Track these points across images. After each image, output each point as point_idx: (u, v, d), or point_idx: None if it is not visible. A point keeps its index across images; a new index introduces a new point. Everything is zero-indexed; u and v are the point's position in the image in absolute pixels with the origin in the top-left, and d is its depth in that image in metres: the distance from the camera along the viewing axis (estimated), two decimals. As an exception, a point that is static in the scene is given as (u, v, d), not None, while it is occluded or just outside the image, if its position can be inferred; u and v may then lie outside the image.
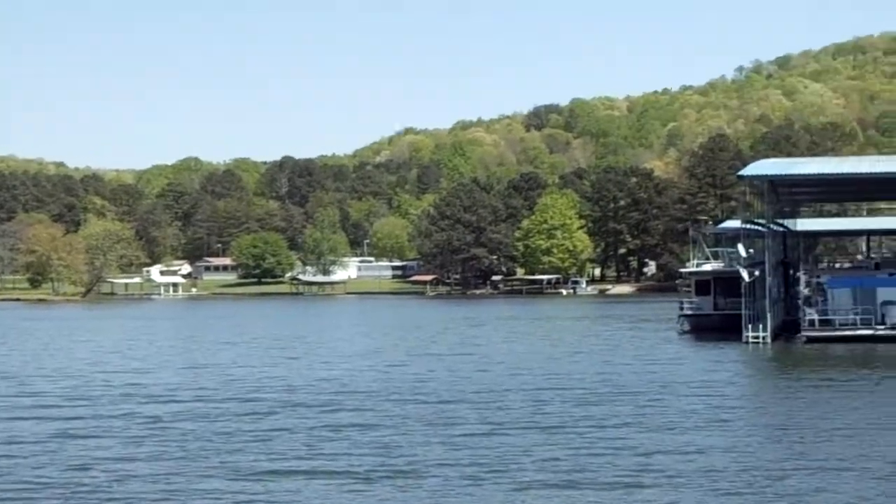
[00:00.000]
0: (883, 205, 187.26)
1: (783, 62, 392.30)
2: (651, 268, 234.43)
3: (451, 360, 73.41)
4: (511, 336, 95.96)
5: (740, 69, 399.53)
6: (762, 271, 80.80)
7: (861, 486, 31.55)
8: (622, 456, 36.58)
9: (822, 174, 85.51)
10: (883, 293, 77.80)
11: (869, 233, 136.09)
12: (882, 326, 76.28)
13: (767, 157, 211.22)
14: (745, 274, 78.30)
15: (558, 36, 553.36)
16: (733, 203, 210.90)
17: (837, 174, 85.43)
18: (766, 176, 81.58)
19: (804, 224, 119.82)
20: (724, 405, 48.59)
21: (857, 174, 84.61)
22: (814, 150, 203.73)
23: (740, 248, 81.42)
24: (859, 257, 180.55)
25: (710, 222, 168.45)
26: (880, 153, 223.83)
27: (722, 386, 55.91)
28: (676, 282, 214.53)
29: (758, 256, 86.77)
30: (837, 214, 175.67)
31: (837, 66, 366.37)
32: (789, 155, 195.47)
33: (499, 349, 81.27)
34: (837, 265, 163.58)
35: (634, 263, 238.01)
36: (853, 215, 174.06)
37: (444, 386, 57.52)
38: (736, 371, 65.80)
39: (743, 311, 78.62)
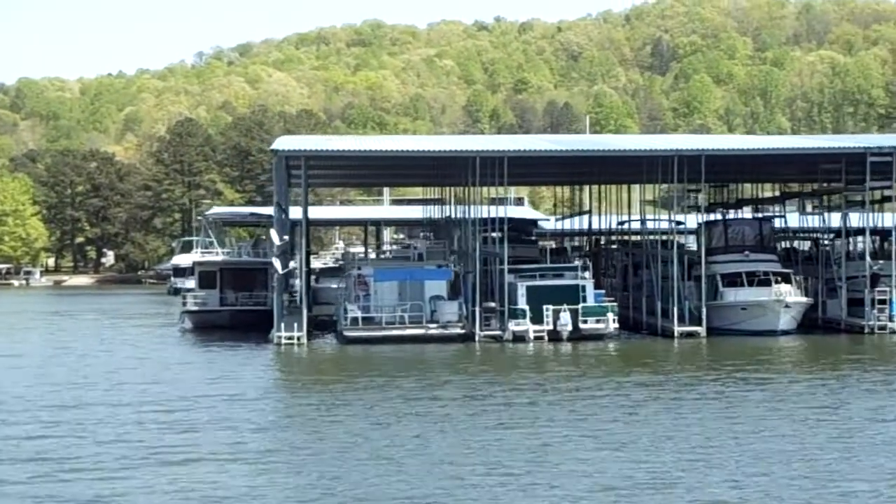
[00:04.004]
0: (353, 193, 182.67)
1: (245, 50, 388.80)
2: (110, 258, 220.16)
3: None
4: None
5: (200, 55, 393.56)
6: (296, 262, 69.99)
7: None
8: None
9: (372, 151, 74.66)
10: (431, 287, 68.69)
11: (369, 222, 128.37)
12: (434, 325, 67.01)
13: (240, 143, 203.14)
14: (278, 264, 67.17)
15: (4, 12, 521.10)
16: (202, 191, 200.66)
17: (395, 151, 75.25)
18: (305, 151, 70.11)
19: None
20: (274, 430, 38.82)
21: (411, 151, 74.83)
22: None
23: (273, 234, 69.60)
24: (335, 249, 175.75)
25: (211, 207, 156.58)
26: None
27: (273, 401, 46.07)
28: (139, 273, 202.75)
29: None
30: (315, 203, 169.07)
31: (301, 56, 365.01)
32: (262, 141, 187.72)
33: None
34: (315, 256, 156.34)
35: (93, 253, 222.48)
36: (328, 205, 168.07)
37: None
38: (275, 380, 55.12)
39: (275, 308, 67.57)
